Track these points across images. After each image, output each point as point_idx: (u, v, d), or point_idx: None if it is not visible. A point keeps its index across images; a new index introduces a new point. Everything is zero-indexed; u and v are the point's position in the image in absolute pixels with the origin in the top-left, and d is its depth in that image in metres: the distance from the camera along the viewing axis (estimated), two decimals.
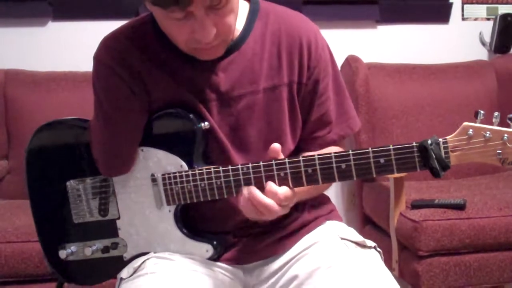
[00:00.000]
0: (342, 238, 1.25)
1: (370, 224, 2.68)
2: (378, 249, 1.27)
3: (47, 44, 2.82)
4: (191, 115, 1.22)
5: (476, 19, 3.12)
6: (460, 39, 3.08)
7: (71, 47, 2.79)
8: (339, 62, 2.88)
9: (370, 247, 1.25)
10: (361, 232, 2.61)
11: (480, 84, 2.88)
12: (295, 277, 1.20)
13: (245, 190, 1.13)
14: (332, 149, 1.28)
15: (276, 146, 1.12)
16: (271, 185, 1.11)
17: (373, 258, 1.23)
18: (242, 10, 1.25)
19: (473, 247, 2.09)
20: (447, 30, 3.09)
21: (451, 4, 3.06)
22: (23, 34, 2.81)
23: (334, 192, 2.98)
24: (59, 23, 2.84)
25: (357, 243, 1.25)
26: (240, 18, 1.23)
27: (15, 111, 2.63)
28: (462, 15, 3.10)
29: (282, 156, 1.12)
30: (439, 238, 2.05)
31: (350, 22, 3.01)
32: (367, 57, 2.84)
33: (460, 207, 2.10)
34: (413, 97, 2.80)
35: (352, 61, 2.79)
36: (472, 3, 3.10)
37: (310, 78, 1.26)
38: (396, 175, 2.09)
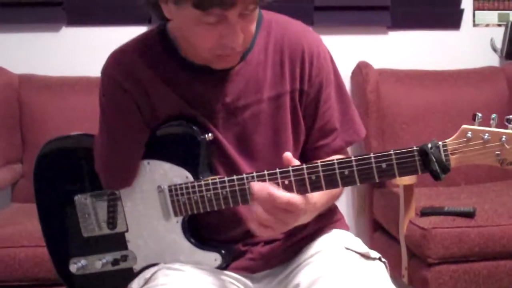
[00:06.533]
0: (346, 248, 1.25)
1: (380, 230, 2.67)
2: (383, 259, 1.27)
3: (60, 49, 2.83)
4: (194, 127, 1.23)
5: (487, 25, 3.10)
6: (471, 46, 3.06)
7: (85, 52, 2.80)
8: (350, 68, 2.89)
9: (374, 259, 1.25)
10: (371, 238, 2.65)
11: (491, 90, 2.87)
12: (297, 285, 1.20)
13: (261, 193, 1.06)
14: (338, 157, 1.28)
15: (287, 154, 1.11)
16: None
17: (376, 269, 1.23)
18: None
19: (482, 255, 2.09)
20: (458, 37, 3.07)
21: (462, 10, 3.05)
22: (37, 39, 2.82)
23: (344, 197, 2.96)
24: (72, 29, 2.85)
25: (361, 254, 1.25)
26: None
27: (29, 115, 2.65)
28: (473, 21, 3.08)
29: (295, 162, 1.11)
30: (448, 245, 2.05)
31: (361, 28, 3.00)
32: (378, 63, 2.84)
33: (469, 215, 2.10)
34: (424, 103, 2.79)
35: (363, 67, 2.79)
36: (483, 9, 3.08)
37: (312, 86, 1.27)
38: (401, 180, 2.09)
